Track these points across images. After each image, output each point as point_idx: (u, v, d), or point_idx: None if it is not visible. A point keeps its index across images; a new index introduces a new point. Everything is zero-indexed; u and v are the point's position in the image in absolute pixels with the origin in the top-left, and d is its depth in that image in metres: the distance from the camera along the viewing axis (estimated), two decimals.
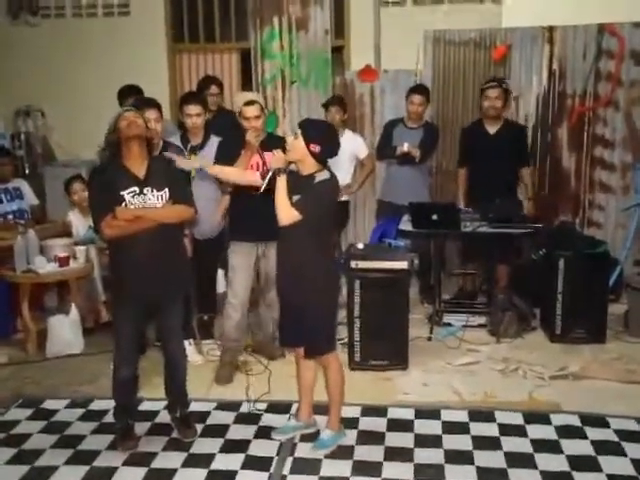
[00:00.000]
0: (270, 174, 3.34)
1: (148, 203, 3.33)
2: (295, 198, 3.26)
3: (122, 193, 3.30)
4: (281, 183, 3.28)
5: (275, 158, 3.33)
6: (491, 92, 5.26)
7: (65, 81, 7.18)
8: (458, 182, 5.63)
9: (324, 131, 3.36)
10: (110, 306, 4.43)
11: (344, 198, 5.72)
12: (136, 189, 3.31)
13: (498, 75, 5.79)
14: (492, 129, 5.35)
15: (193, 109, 4.58)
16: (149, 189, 3.33)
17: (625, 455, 3.37)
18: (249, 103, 4.17)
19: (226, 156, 4.24)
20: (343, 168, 5.61)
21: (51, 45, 7.20)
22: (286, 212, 3.24)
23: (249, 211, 4.27)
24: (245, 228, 4.32)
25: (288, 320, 3.49)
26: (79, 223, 5.32)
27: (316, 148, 3.23)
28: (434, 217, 4.80)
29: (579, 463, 3.30)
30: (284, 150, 3.36)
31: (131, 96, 5.03)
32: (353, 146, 5.62)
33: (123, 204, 3.29)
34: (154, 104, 4.41)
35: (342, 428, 3.55)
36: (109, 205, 3.27)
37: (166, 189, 3.37)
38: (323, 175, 3.28)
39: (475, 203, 5.24)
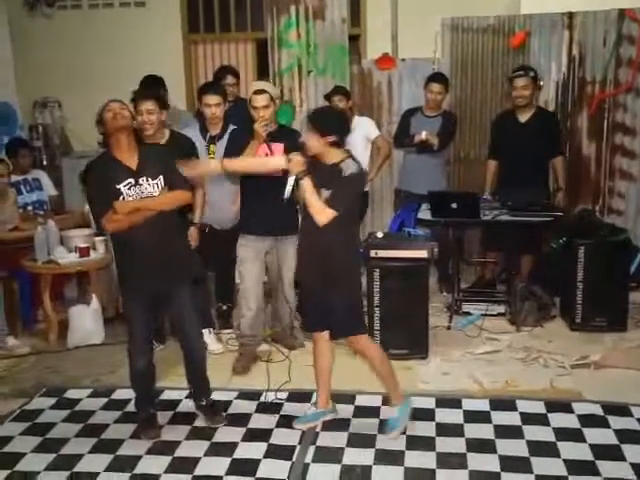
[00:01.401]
0: (292, 181, 3.31)
1: (145, 193, 3.34)
2: (325, 193, 3.24)
3: (118, 187, 3.29)
4: (307, 186, 3.26)
5: (294, 163, 3.30)
6: (518, 81, 5.18)
7: (81, 72, 7.20)
8: (486, 173, 5.55)
9: (333, 118, 3.38)
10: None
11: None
12: (131, 181, 3.32)
13: (523, 62, 5.72)
14: (523, 118, 5.26)
15: (212, 99, 4.57)
16: (144, 179, 3.34)
17: None
18: (258, 92, 4.14)
19: (235, 146, 4.21)
20: (359, 155, 5.59)
21: (67, 36, 7.22)
22: (322, 214, 3.23)
23: (259, 204, 4.24)
24: (255, 221, 4.29)
25: (312, 305, 3.51)
26: None
27: (332, 138, 3.23)
28: (453, 205, 4.78)
29: (602, 452, 3.28)
30: (301, 151, 3.33)
31: (152, 87, 5.00)
32: (363, 130, 5.58)
33: (121, 197, 3.29)
34: (149, 96, 4.37)
35: (406, 399, 3.56)
36: (107, 201, 3.28)
37: (161, 176, 3.37)
38: (350, 166, 3.26)
39: (505, 193, 5.18)
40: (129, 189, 3.31)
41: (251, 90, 4.22)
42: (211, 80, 5.59)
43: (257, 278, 4.36)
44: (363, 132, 5.58)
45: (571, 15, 5.78)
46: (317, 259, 3.37)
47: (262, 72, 6.86)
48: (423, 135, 5.29)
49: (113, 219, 3.29)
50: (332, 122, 3.31)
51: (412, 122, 5.50)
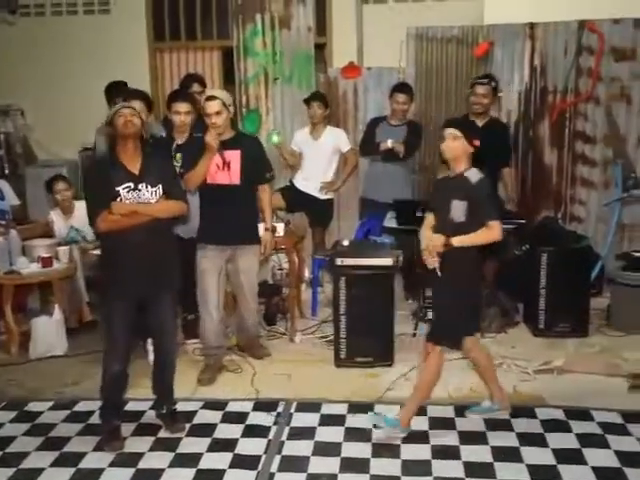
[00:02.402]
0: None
1: (142, 198, 3.39)
2: (457, 204, 3.35)
3: (117, 188, 3.35)
4: (461, 241, 3.34)
5: (437, 246, 3.38)
6: (479, 89, 5.24)
7: (45, 80, 7.13)
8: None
9: (477, 126, 3.57)
10: (100, 303, 4.27)
11: (328, 196, 5.75)
12: (131, 185, 3.38)
13: (486, 72, 5.76)
14: (479, 122, 5.29)
15: (182, 107, 4.57)
16: (144, 185, 3.40)
17: (609, 447, 3.41)
18: (210, 98, 4.12)
19: (194, 153, 4.18)
20: (326, 163, 5.65)
21: (30, 44, 7.15)
22: (490, 235, 3.36)
23: (218, 214, 4.23)
24: (214, 231, 4.27)
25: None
26: (61, 223, 5.28)
27: (477, 143, 3.38)
28: (419, 214, 4.81)
29: (564, 456, 3.33)
30: None
31: (119, 93, 4.98)
32: (335, 141, 5.65)
33: (118, 199, 3.35)
34: (140, 96, 4.44)
35: (407, 425, 3.54)
36: (105, 200, 3.33)
37: (160, 185, 3.44)
38: (475, 174, 3.39)
39: None
40: (127, 192, 3.36)
41: (203, 97, 4.22)
42: (178, 88, 5.57)
43: (217, 288, 4.31)
44: (335, 143, 5.63)
45: (532, 26, 5.88)
46: (449, 262, 3.42)
47: (229, 80, 6.86)
48: (389, 143, 5.33)
49: (107, 219, 3.32)
50: (475, 127, 3.55)
51: (377, 131, 5.53)
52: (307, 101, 5.65)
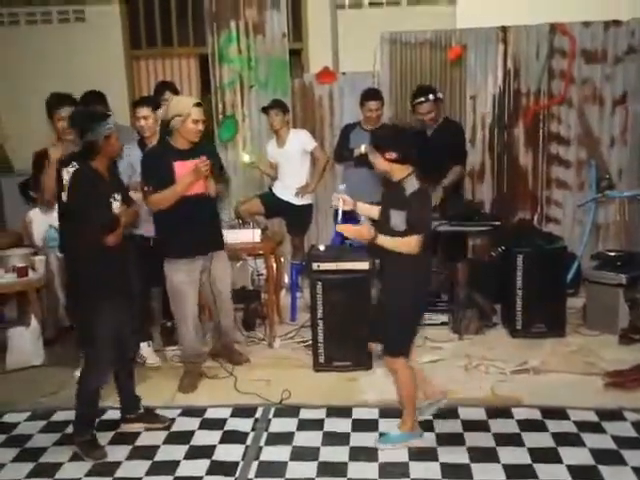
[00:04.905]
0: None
1: (120, 208, 3.50)
2: (394, 214, 3.29)
3: (111, 200, 3.44)
4: (383, 242, 3.29)
5: (358, 235, 3.36)
6: (422, 108, 5.33)
7: (20, 90, 7.08)
8: None
9: (390, 135, 3.46)
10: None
11: (306, 202, 5.75)
12: (115, 195, 3.48)
13: (461, 75, 5.82)
14: (430, 130, 5.44)
15: (141, 111, 4.61)
16: (116, 194, 3.49)
17: (584, 445, 3.44)
18: (199, 105, 4.11)
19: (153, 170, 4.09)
20: (297, 168, 5.66)
21: (5, 53, 7.10)
22: (407, 245, 3.26)
23: (189, 226, 4.08)
24: (186, 244, 4.13)
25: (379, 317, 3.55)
26: (39, 221, 5.15)
27: (392, 155, 3.29)
28: None
29: (540, 455, 3.36)
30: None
31: (95, 102, 4.93)
32: (300, 142, 5.65)
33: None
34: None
35: (415, 431, 3.53)
36: (109, 214, 3.41)
37: (121, 193, 3.55)
38: (412, 184, 3.30)
39: None
40: (114, 202, 3.46)
41: (189, 104, 4.08)
42: (145, 95, 5.59)
43: (193, 301, 4.27)
44: (300, 145, 5.64)
45: (505, 29, 5.94)
46: (386, 271, 3.46)
47: (206, 87, 6.86)
48: (362, 148, 5.34)
49: (118, 234, 3.43)
50: (390, 139, 3.38)
51: (351, 136, 5.55)
52: (265, 110, 5.66)
